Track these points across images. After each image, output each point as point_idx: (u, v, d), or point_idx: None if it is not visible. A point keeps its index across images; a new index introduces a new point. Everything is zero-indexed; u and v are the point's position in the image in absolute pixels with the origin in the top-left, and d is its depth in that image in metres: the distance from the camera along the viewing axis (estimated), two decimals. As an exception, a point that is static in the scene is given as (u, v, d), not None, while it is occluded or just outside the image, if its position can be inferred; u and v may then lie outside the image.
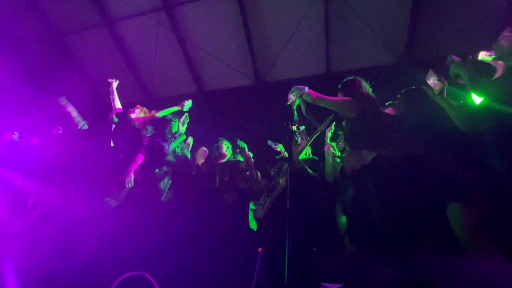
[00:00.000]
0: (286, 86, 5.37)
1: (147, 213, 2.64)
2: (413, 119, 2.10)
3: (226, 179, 2.75)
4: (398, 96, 2.34)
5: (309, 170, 2.57)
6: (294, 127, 2.10)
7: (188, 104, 3.55)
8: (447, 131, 1.91)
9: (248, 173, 2.87)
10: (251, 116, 5.36)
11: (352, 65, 4.72)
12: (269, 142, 3.29)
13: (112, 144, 3.44)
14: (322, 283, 1.43)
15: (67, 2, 5.05)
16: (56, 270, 2.22)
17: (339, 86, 2.28)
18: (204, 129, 4.11)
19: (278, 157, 3.24)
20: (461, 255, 1.63)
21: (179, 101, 3.62)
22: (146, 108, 3.52)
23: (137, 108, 3.44)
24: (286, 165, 2.85)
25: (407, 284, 1.37)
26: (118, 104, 3.49)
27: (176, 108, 3.52)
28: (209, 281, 1.55)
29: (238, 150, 3.07)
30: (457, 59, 1.90)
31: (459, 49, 3.73)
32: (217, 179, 2.73)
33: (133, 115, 3.32)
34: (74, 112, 3.64)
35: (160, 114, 3.42)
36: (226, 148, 3.12)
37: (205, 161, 3.37)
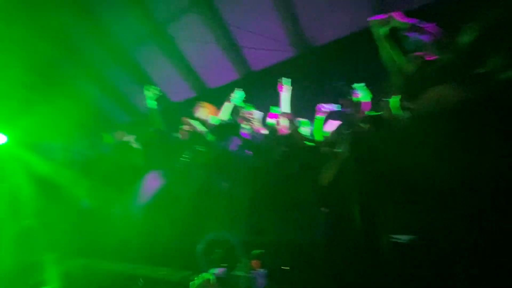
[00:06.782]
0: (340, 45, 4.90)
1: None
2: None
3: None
4: None
5: None
6: None
7: (236, 95, 3.74)
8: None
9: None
10: (305, 85, 5.20)
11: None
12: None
13: None
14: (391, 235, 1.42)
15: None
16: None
17: None
18: (262, 109, 4.23)
19: None
20: None
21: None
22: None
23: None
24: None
25: None
26: None
27: (231, 106, 3.76)
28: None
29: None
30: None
31: None
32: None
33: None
34: None
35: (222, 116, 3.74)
36: None
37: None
